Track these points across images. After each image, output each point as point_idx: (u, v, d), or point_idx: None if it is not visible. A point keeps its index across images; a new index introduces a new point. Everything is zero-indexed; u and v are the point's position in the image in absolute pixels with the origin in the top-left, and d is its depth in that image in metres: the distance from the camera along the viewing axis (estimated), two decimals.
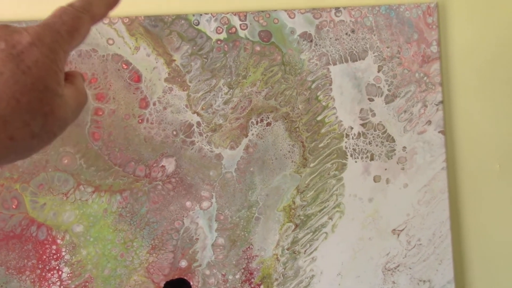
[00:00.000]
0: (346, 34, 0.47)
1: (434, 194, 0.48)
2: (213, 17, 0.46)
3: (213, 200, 0.46)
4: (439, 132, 0.48)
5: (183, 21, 0.45)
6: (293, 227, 0.47)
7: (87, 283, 0.45)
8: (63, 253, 0.45)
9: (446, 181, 0.48)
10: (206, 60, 0.46)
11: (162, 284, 0.46)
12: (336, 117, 0.47)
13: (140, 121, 0.45)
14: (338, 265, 0.48)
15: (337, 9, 0.47)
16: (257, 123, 0.46)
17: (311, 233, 0.47)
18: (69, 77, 0.29)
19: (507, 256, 0.50)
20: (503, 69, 0.49)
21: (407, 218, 0.48)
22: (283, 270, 0.47)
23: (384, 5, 0.47)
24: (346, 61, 0.47)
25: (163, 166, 0.46)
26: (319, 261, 0.47)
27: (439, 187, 0.48)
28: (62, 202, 0.45)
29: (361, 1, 0.47)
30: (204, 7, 0.46)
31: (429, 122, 0.48)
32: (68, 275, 0.45)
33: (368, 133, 0.47)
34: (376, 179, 0.48)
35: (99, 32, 0.44)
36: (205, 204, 0.46)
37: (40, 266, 0.45)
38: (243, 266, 0.47)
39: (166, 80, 0.45)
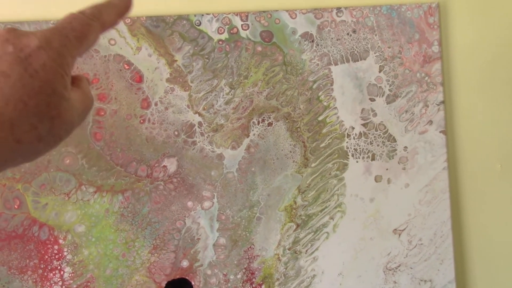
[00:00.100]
0: (348, 34, 0.47)
1: (435, 194, 0.48)
2: (215, 17, 0.46)
3: (215, 200, 0.46)
4: (440, 132, 0.48)
5: (184, 22, 0.45)
6: (295, 227, 0.47)
7: (89, 283, 0.45)
8: (65, 253, 0.45)
9: (447, 181, 0.48)
10: (207, 61, 0.46)
11: (163, 284, 0.46)
12: (338, 117, 0.47)
13: (141, 121, 0.45)
14: (340, 265, 0.48)
15: (339, 9, 0.47)
16: (258, 123, 0.47)
17: (313, 233, 0.47)
18: (75, 80, 0.29)
19: (508, 256, 0.50)
20: (504, 69, 0.49)
21: (408, 218, 0.48)
22: (285, 270, 0.47)
23: (385, 5, 0.47)
24: (348, 61, 0.47)
25: (164, 166, 0.46)
26: (321, 261, 0.48)
27: (440, 187, 0.48)
28: (64, 202, 0.45)
29: (362, 1, 0.48)
30: (205, 8, 0.46)
31: (430, 122, 0.48)
32: (70, 275, 0.45)
33: (369, 133, 0.48)
34: (377, 179, 0.48)
35: None
36: (206, 204, 0.46)
37: (42, 266, 0.45)
38: (245, 266, 0.47)
39: (167, 80, 0.46)
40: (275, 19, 0.46)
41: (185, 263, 0.46)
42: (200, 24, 0.46)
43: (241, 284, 0.47)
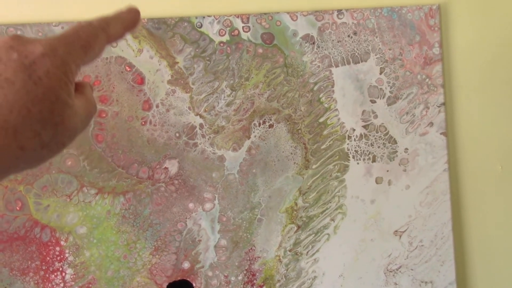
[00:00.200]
0: (348, 36, 0.47)
1: (436, 195, 0.48)
2: (216, 19, 0.46)
3: (216, 201, 0.46)
4: (441, 133, 0.48)
5: (186, 24, 0.45)
6: (295, 228, 0.47)
7: (90, 285, 0.45)
8: (67, 255, 0.45)
9: (448, 183, 0.48)
10: (209, 62, 0.46)
11: (165, 286, 0.46)
12: (338, 119, 0.47)
13: (143, 123, 0.46)
14: (340, 266, 0.48)
15: (339, 11, 0.47)
16: (259, 125, 0.47)
17: (313, 235, 0.48)
18: (79, 87, 0.29)
19: (509, 257, 0.51)
20: (504, 70, 0.49)
21: (409, 220, 0.48)
22: (286, 271, 0.47)
23: (386, 7, 0.47)
24: (348, 63, 0.47)
25: (166, 168, 0.46)
26: (321, 262, 0.48)
27: (441, 188, 0.48)
28: (65, 203, 0.45)
29: (363, 3, 0.48)
30: (207, 10, 0.46)
31: (431, 124, 0.48)
32: (72, 277, 0.45)
33: (370, 135, 0.48)
34: (378, 180, 0.48)
35: None
36: (207, 205, 0.46)
37: (43, 268, 0.45)
38: (246, 268, 0.47)
39: (169, 82, 0.46)
40: (276, 21, 0.46)
41: (186, 265, 0.46)
42: (201, 26, 0.46)
43: (242, 286, 0.47)
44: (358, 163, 0.48)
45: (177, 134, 0.46)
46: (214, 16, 0.46)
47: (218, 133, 0.46)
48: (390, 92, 0.48)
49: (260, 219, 0.47)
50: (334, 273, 0.48)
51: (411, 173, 0.48)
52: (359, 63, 0.47)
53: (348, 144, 0.47)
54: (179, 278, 0.46)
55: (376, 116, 0.48)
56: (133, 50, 0.45)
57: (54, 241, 0.45)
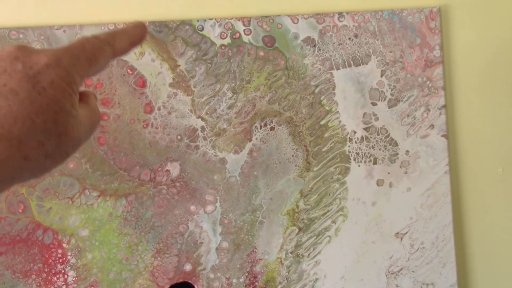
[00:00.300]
0: (349, 39, 0.47)
1: (437, 197, 0.48)
2: (217, 22, 0.46)
3: (217, 204, 0.47)
4: (442, 136, 0.48)
5: (187, 27, 0.46)
6: (297, 230, 0.48)
7: (93, 287, 0.45)
8: (69, 257, 0.45)
9: (449, 185, 0.48)
10: (210, 65, 0.46)
11: None
12: (339, 121, 0.47)
13: (145, 125, 0.46)
14: (342, 268, 0.48)
15: (340, 14, 0.47)
16: (261, 127, 0.47)
17: (315, 237, 0.48)
18: (83, 96, 0.29)
19: (510, 259, 0.51)
20: (505, 73, 0.49)
21: (410, 222, 0.48)
22: (287, 273, 0.47)
23: (387, 9, 0.47)
24: (349, 65, 0.47)
25: (167, 170, 0.46)
26: (323, 264, 0.48)
27: (442, 190, 0.48)
28: (67, 206, 0.45)
29: (364, 6, 0.48)
30: (208, 13, 0.47)
31: (432, 126, 0.48)
32: (74, 279, 0.45)
33: (371, 137, 0.48)
34: (379, 183, 0.48)
35: None
36: (209, 208, 0.47)
37: (46, 270, 0.45)
38: (247, 270, 0.47)
39: (170, 85, 0.46)
40: (277, 24, 0.46)
41: (188, 267, 0.47)
42: (202, 29, 0.46)
43: None
44: (359, 166, 0.48)
45: (179, 137, 0.46)
46: (215, 19, 0.46)
47: (220, 135, 0.46)
48: (391, 94, 0.48)
49: (261, 221, 0.47)
50: (335, 275, 0.48)
51: (412, 175, 0.48)
52: (360, 65, 0.47)
53: (349, 146, 0.48)
54: (181, 280, 0.46)
55: (377, 119, 0.48)
56: (135, 53, 0.45)
57: (56, 243, 0.45)
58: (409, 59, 0.48)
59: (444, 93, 0.48)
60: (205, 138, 0.46)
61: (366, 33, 0.47)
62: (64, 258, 0.45)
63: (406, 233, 0.48)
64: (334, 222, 0.48)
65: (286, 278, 0.47)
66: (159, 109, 0.46)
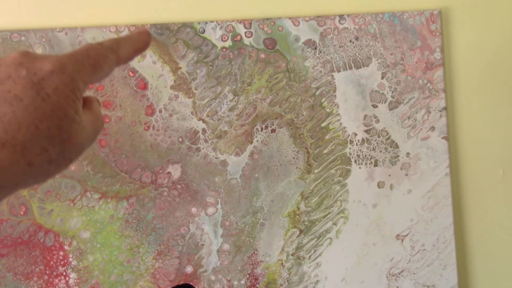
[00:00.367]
0: (350, 41, 0.47)
1: (437, 199, 0.48)
2: (219, 25, 0.46)
3: (219, 206, 0.47)
4: (442, 138, 0.48)
5: (188, 29, 0.46)
6: (298, 232, 0.48)
7: None
8: (70, 259, 0.45)
9: (450, 187, 0.48)
10: (211, 68, 0.46)
11: None
12: (340, 124, 0.48)
13: (146, 128, 0.46)
14: (343, 270, 0.48)
15: (341, 16, 0.47)
16: (262, 129, 0.47)
17: (316, 239, 0.48)
18: (87, 102, 0.29)
19: (511, 261, 0.51)
20: (505, 75, 0.50)
21: (411, 224, 0.48)
22: (288, 275, 0.48)
23: (387, 12, 0.47)
24: (350, 68, 0.47)
25: (169, 172, 0.46)
26: (324, 266, 0.48)
27: (443, 192, 0.48)
28: (69, 208, 0.45)
29: (365, 9, 0.48)
30: (209, 15, 0.47)
31: (432, 128, 0.48)
32: (75, 281, 0.45)
33: (372, 139, 0.48)
34: (380, 185, 0.48)
35: None
36: (210, 210, 0.47)
37: (47, 272, 0.45)
38: (248, 272, 0.47)
39: (172, 87, 0.46)
40: (278, 26, 0.47)
41: (189, 269, 0.47)
42: (204, 31, 0.46)
43: None
44: (360, 168, 0.48)
45: (180, 139, 0.46)
46: (216, 21, 0.46)
47: (221, 138, 0.47)
48: (392, 96, 0.48)
49: (262, 223, 0.47)
50: (336, 277, 0.48)
51: (413, 178, 0.48)
52: (360, 68, 0.48)
53: (350, 148, 0.48)
54: (182, 282, 0.47)
55: (378, 121, 0.48)
56: None
57: (57, 245, 0.45)
58: (409, 62, 0.48)
59: (444, 95, 0.48)
60: (206, 140, 0.46)
61: (367, 36, 0.47)
62: (65, 260, 0.45)
63: (407, 235, 0.48)
64: (335, 224, 0.48)
65: (287, 280, 0.48)
66: (160, 111, 0.46)
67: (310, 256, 0.48)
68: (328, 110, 0.47)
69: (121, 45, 0.30)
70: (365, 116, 0.48)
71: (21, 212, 0.45)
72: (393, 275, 0.48)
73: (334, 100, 0.47)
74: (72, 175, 0.45)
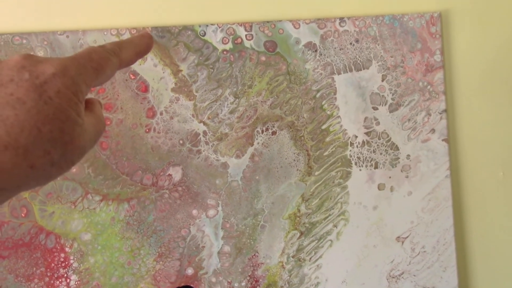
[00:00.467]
0: (350, 44, 0.47)
1: (438, 201, 0.48)
2: (219, 27, 0.46)
3: (219, 208, 0.47)
4: (442, 140, 0.48)
5: (189, 32, 0.46)
6: (298, 234, 0.48)
7: None
8: (71, 261, 0.45)
9: (450, 189, 0.48)
10: (212, 70, 0.46)
11: None
12: (341, 126, 0.48)
13: (147, 130, 0.46)
14: (343, 272, 0.48)
15: (342, 19, 0.47)
16: (262, 132, 0.47)
17: (316, 241, 0.48)
18: (89, 104, 0.30)
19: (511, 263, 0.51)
20: (506, 77, 0.50)
21: (411, 226, 0.48)
22: (289, 277, 0.48)
23: (388, 15, 0.48)
24: (351, 70, 0.48)
25: (170, 174, 0.46)
26: (324, 268, 0.48)
27: (443, 195, 0.48)
28: (70, 210, 0.45)
29: (365, 11, 0.48)
30: (210, 18, 0.47)
31: (432, 131, 0.48)
32: (76, 283, 0.45)
33: (372, 142, 0.48)
34: (381, 187, 0.48)
35: None
36: (211, 212, 0.47)
37: (48, 274, 0.45)
38: (249, 274, 0.47)
39: (172, 90, 0.46)
40: (278, 29, 0.47)
41: (190, 271, 0.47)
42: (204, 34, 0.46)
43: None
44: (360, 170, 0.48)
45: (181, 141, 0.46)
46: (217, 24, 0.46)
47: (222, 140, 0.47)
48: (392, 99, 0.48)
49: (263, 225, 0.47)
50: (337, 279, 0.48)
51: (413, 180, 0.48)
52: (361, 70, 0.48)
53: (350, 150, 0.48)
54: (182, 284, 0.47)
55: (378, 123, 0.48)
56: None
57: (59, 247, 0.45)
58: (410, 64, 0.48)
59: (444, 98, 0.48)
60: (207, 143, 0.46)
61: (367, 38, 0.47)
62: (66, 262, 0.45)
63: (407, 237, 0.49)
64: (335, 226, 0.48)
65: (288, 282, 0.48)
66: (161, 113, 0.46)
67: (310, 258, 0.48)
68: (328, 112, 0.48)
69: (123, 48, 0.30)
70: (366, 118, 0.48)
71: (22, 214, 0.45)
72: (393, 277, 0.48)
73: (335, 103, 0.48)
74: (73, 178, 0.45)
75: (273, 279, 0.47)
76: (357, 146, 0.48)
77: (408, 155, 0.48)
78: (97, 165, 0.45)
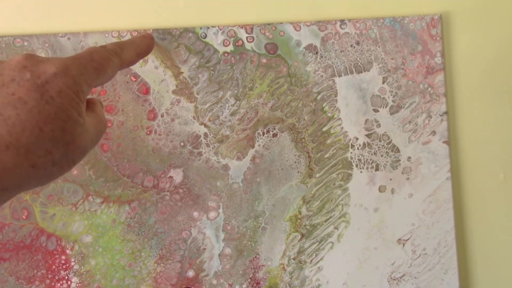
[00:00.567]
0: (351, 46, 0.47)
1: (439, 204, 0.48)
2: (220, 30, 0.46)
3: (220, 210, 0.47)
4: (443, 142, 0.48)
5: (190, 34, 0.46)
6: (299, 237, 0.48)
7: None
8: (72, 263, 0.45)
9: (451, 191, 0.48)
10: (213, 72, 0.46)
11: None
12: (342, 128, 0.48)
13: (148, 132, 0.46)
14: (344, 274, 0.48)
15: (342, 21, 0.47)
16: (263, 134, 0.47)
17: (317, 243, 0.48)
18: (90, 104, 0.30)
19: None
20: (506, 79, 0.50)
21: (412, 228, 0.48)
22: (290, 279, 0.48)
23: (388, 17, 0.48)
24: (351, 72, 0.48)
25: (170, 177, 0.46)
26: (325, 270, 0.48)
27: (444, 197, 0.48)
28: (71, 212, 0.45)
29: (365, 14, 0.48)
30: (211, 20, 0.47)
31: (433, 133, 0.48)
32: (77, 285, 0.45)
33: (373, 144, 0.48)
34: (381, 189, 0.48)
35: None
36: (212, 214, 0.47)
37: (49, 276, 0.45)
38: (250, 276, 0.47)
39: (174, 92, 0.46)
40: (279, 31, 0.47)
41: (190, 273, 0.47)
42: (205, 36, 0.46)
43: None
44: (361, 172, 0.48)
45: (182, 144, 0.46)
46: (218, 26, 0.46)
47: (223, 142, 0.47)
48: (393, 101, 0.48)
49: (264, 227, 0.47)
50: (338, 281, 0.48)
51: (414, 182, 0.48)
52: (362, 72, 0.48)
53: (351, 153, 0.48)
54: (183, 287, 0.47)
55: (379, 125, 0.48)
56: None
57: (60, 249, 0.45)
58: (410, 66, 0.48)
59: (445, 100, 0.48)
60: (208, 145, 0.47)
61: (368, 40, 0.48)
62: (67, 264, 0.45)
63: (408, 239, 0.48)
64: (336, 228, 0.48)
65: (289, 284, 0.48)
66: (162, 116, 0.46)
67: (311, 260, 0.48)
68: (329, 114, 0.48)
69: (125, 48, 0.31)
70: (366, 120, 0.48)
71: (23, 216, 0.45)
72: (394, 279, 0.48)
73: (336, 105, 0.48)
74: (74, 180, 0.45)
75: (274, 281, 0.47)
76: (358, 148, 0.48)
77: (409, 157, 0.48)
78: (98, 167, 0.46)
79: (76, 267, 0.45)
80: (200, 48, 0.46)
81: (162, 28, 0.46)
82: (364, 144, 0.48)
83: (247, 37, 0.47)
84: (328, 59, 0.47)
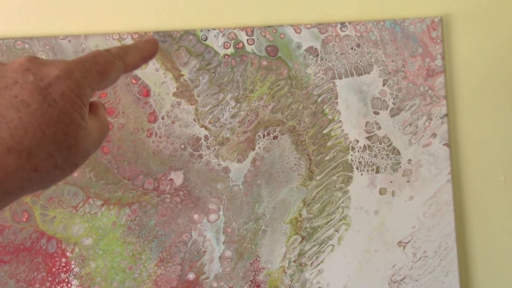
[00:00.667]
0: (352, 48, 0.48)
1: (439, 206, 0.48)
2: (221, 32, 0.46)
3: (221, 213, 0.47)
4: (444, 144, 0.48)
5: (191, 37, 0.46)
6: (300, 239, 0.48)
7: None
8: (72, 266, 0.45)
9: (451, 194, 0.48)
10: (213, 75, 0.46)
11: None
12: (342, 130, 0.48)
13: (148, 135, 0.46)
14: (345, 277, 0.48)
15: (343, 24, 0.47)
16: (264, 136, 0.47)
17: (318, 246, 0.48)
18: (93, 107, 0.30)
19: None
20: (506, 82, 0.50)
21: (412, 231, 0.48)
22: (290, 282, 0.48)
23: (389, 19, 0.48)
24: (352, 75, 0.48)
25: (171, 179, 0.46)
26: (326, 273, 0.48)
27: (444, 199, 0.48)
28: (71, 215, 0.45)
29: (366, 16, 0.48)
30: (211, 23, 0.47)
31: (434, 135, 0.48)
32: None
33: (373, 146, 0.48)
34: (382, 191, 0.48)
35: None
36: (212, 217, 0.47)
37: (49, 279, 0.45)
38: (250, 279, 0.47)
39: (174, 94, 0.46)
40: (280, 34, 0.47)
41: (191, 276, 0.47)
42: (206, 39, 0.46)
43: None
44: (361, 174, 0.48)
45: (182, 146, 0.46)
46: (219, 29, 0.46)
47: (223, 144, 0.47)
48: (393, 103, 0.48)
49: (264, 230, 0.47)
50: (338, 284, 0.48)
51: (415, 184, 0.48)
52: (362, 75, 0.48)
53: (351, 155, 0.48)
54: None
55: (379, 128, 0.48)
56: None
57: (60, 252, 0.45)
58: (411, 69, 0.48)
59: (446, 102, 0.48)
60: (208, 147, 0.47)
61: (368, 43, 0.48)
62: (67, 267, 0.45)
63: (408, 241, 0.48)
64: (337, 230, 0.48)
65: (289, 287, 0.47)
66: (163, 118, 0.46)
67: (312, 263, 0.48)
68: (330, 117, 0.48)
69: (129, 52, 0.31)
70: (367, 123, 0.48)
71: (24, 219, 0.45)
72: (395, 282, 0.48)
73: (336, 107, 0.48)
74: (74, 182, 0.45)
75: (274, 284, 0.47)
76: (358, 151, 0.48)
77: (410, 160, 0.48)
78: (98, 169, 0.45)
79: (76, 269, 0.45)
80: (201, 50, 0.46)
81: (163, 30, 0.46)
82: (364, 146, 0.48)
83: (247, 40, 0.47)
84: (328, 62, 0.47)
